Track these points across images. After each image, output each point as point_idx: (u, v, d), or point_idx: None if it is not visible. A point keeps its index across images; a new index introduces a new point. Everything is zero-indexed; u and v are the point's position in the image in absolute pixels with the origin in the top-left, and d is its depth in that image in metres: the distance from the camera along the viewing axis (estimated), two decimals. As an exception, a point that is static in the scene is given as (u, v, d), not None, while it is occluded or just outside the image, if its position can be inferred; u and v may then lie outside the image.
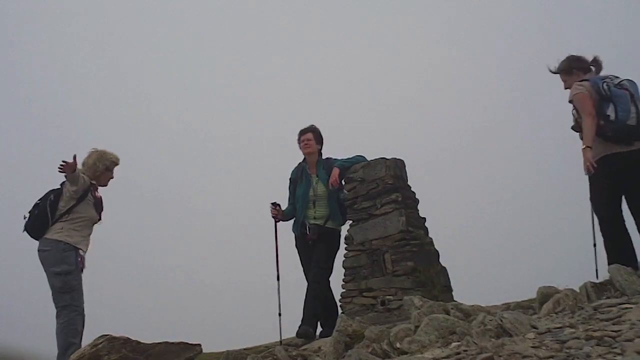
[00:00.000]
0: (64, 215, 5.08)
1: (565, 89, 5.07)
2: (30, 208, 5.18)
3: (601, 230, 4.79)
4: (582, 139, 4.77)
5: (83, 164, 5.26)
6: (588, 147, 4.63)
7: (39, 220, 5.07)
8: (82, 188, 5.11)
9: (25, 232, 5.15)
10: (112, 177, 5.42)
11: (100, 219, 5.32)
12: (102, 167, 5.29)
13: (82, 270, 5.08)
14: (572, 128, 5.06)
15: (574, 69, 5.04)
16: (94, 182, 5.26)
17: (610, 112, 4.68)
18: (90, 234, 5.26)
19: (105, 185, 5.42)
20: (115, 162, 5.37)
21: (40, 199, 5.17)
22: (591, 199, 4.89)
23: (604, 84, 4.77)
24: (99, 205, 5.29)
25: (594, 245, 5.09)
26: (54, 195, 5.14)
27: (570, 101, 4.90)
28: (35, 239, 5.10)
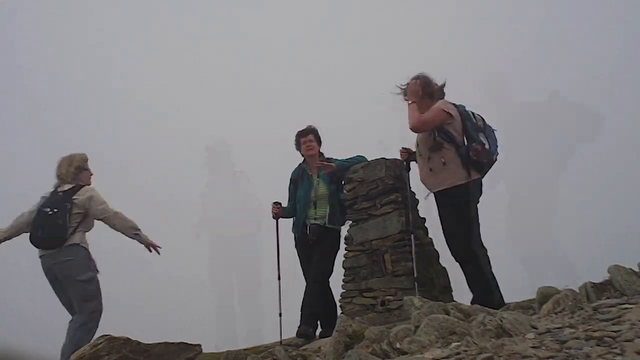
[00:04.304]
0: (80, 224, 5.09)
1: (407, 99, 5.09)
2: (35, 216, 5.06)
3: (477, 254, 4.77)
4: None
5: (59, 176, 5.26)
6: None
7: (60, 230, 4.96)
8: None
9: (38, 243, 5.01)
10: (91, 174, 5.41)
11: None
12: (74, 170, 5.28)
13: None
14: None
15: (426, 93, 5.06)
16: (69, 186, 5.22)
17: (484, 141, 4.89)
18: None
19: (89, 184, 5.36)
20: (84, 160, 5.36)
21: (50, 207, 5.04)
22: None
23: (476, 114, 4.98)
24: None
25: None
26: (68, 204, 5.05)
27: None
28: (52, 249, 4.97)
